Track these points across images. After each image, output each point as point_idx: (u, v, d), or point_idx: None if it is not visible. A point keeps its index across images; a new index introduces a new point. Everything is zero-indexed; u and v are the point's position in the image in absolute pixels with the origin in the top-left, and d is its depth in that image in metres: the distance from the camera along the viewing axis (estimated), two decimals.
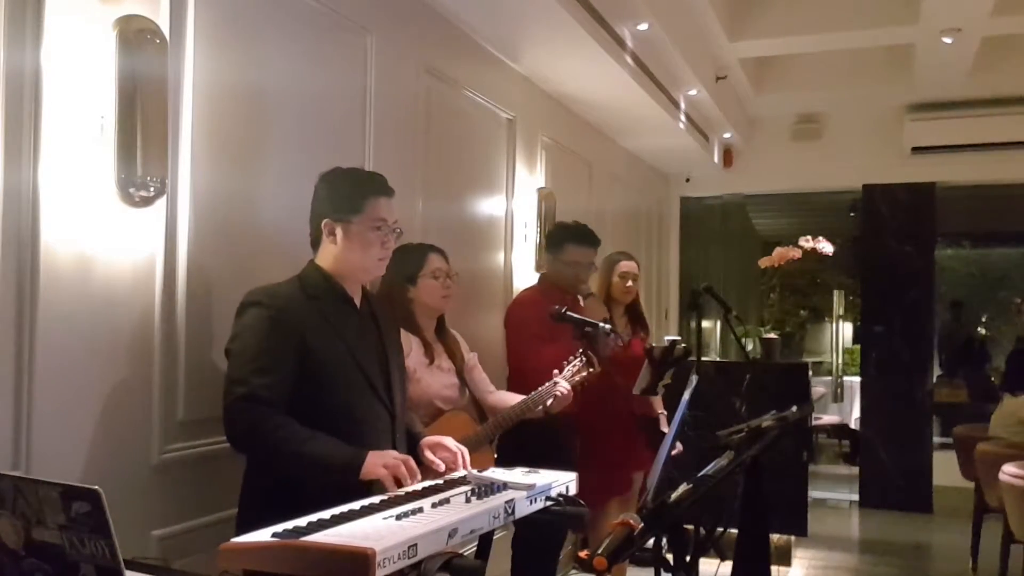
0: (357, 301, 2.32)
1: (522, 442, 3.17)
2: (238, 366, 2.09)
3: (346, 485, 2.00)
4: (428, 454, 2.29)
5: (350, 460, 2.05)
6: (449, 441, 2.33)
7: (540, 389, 3.06)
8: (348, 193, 2.27)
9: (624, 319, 4.11)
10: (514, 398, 3.17)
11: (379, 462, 2.06)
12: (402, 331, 2.85)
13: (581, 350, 3.18)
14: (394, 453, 2.12)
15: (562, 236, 3.82)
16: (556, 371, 3.10)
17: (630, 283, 4.05)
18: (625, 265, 4.08)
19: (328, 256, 2.27)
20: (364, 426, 2.20)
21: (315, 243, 2.30)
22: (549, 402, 3.06)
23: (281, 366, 2.10)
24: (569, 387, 3.08)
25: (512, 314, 3.74)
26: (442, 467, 2.25)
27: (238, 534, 1.96)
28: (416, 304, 2.95)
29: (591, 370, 3.16)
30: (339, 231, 2.24)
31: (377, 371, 2.28)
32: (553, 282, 3.78)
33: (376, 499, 1.95)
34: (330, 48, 3.02)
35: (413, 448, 2.32)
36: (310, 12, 2.90)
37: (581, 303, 3.71)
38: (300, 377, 2.12)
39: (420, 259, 2.95)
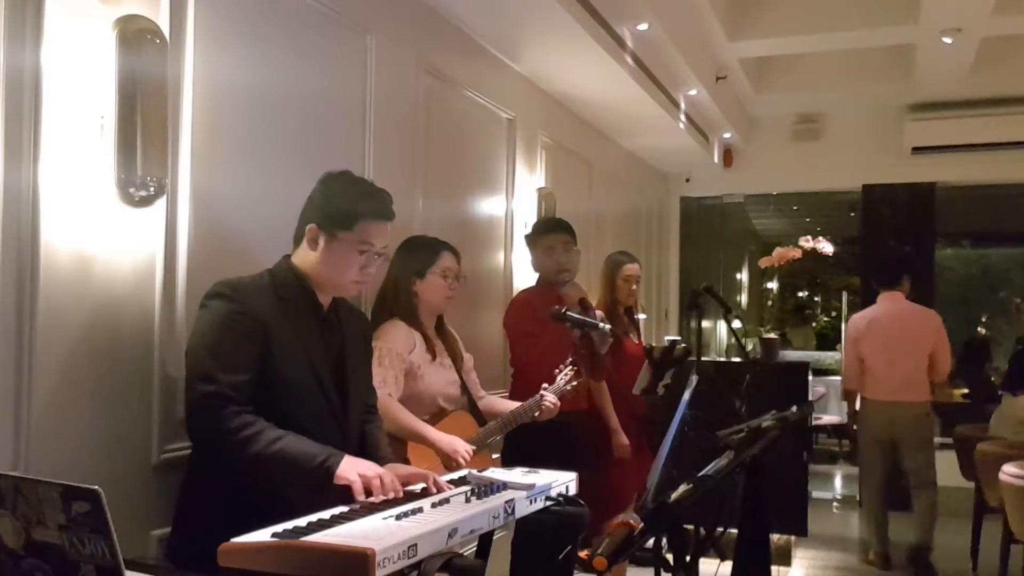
0: (326, 307, 2.23)
1: (529, 441, 3.17)
2: (202, 361, 1.99)
3: (319, 485, 1.93)
4: None
5: (326, 459, 1.96)
6: (402, 468, 2.17)
7: (529, 400, 3.07)
8: (343, 207, 2.15)
9: (625, 319, 4.19)
10: (501, 404, 3.18)
11: (355, 467, 1.97)
12: (405, 326, 2.85)
13: (571, 359, 3.18)
14: (372, 464, 2.03)
15: (534, 232, 3.92)
16: (545, 384, 3.10)
17: (634, 286, 4.12)
18: (630, 269, 4.15)
19: (304, 260, 2.18)
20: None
21: (297, 240, 2.22)
22: (536, 415, 3.06)
23: (248, 364, 2.01)
24: (556, 399, 3.08)
25: (507, 314, 3.78)
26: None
27: (176, 547, 2.01)
28: (420, 299, 2.93)
29: (582, 379, 3.18)
30: (322, 241, 2.15)
31: (335, 390, 2.17)
32: (544, 279, 3.80)
33: (376, 499, 1.95)
34: (330, 48, 3.02)
35: None
36: (310, 12, 2.90)
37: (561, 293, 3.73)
38: (260, 378, 2.03)
39: (433, 255, 2.93)
